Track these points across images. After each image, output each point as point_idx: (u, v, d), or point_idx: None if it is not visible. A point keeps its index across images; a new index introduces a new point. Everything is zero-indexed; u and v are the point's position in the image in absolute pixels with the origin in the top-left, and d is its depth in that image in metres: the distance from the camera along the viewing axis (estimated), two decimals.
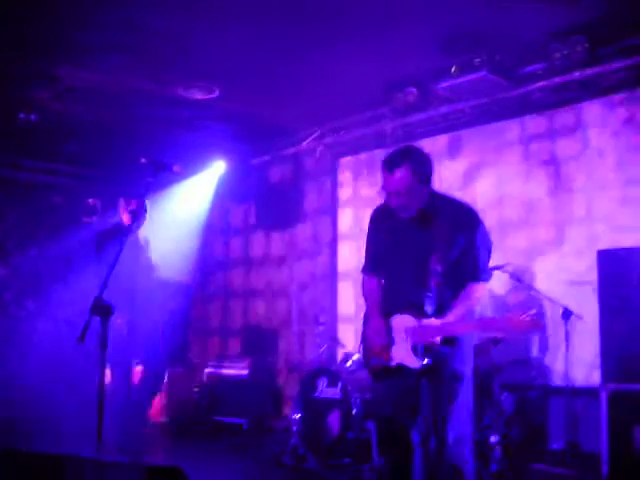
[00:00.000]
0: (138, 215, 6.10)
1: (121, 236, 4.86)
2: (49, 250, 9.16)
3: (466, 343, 4.06)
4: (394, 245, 4.22)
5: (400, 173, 4.01)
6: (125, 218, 6.19)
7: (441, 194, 4.24)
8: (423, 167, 4.10)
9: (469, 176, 7.71)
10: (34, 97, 7.63)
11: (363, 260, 4.39)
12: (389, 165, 4.07)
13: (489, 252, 4.10)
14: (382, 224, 4.32)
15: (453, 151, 7.89)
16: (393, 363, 4.00)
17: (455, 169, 7.79)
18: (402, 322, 3.98)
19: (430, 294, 3.79)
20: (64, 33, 6.26)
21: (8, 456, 3.74)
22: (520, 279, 6.64)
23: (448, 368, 3.91)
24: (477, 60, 6.54)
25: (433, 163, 4.16)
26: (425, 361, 3.79)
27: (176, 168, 4.50)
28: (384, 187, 4.12)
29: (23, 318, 8.93)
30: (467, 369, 4.05)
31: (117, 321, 5.71)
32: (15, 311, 9.52)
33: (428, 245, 3.93)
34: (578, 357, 6.33)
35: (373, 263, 4.34)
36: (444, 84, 6.86)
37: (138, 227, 6.01)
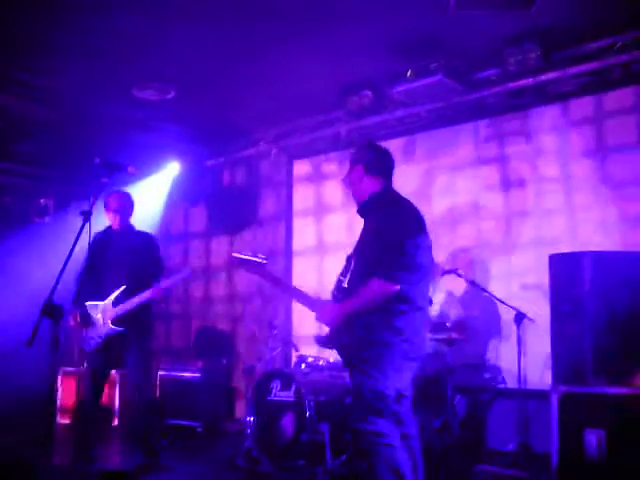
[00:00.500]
0: (123, 212, 6.11)
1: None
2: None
3: None
4: None
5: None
6: (110, 218, 6.14)
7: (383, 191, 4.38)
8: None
9: (424, 179, 7.76)
10: None
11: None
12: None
13: (389, 251, 4.06)
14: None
15: (408, 154, 7.92)
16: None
17: (410, 172, 7.83)
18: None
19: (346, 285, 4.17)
20: (18, 33, 6.18)
21: None
22: (474, 282, 6.69)
23: None
24: (433, 65, 6.59)
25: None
26: None
27: (131, 169, 4.47)
28: None
29: None
30: None
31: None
32: None
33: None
34: (531, 360, 6.40)
35: None
36: (400, 88, 6.89)
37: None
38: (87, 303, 5.96)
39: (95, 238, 5.56)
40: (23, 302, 7.53)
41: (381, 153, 4.47)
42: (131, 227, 6.29)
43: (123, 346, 5.98)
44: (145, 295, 5.87)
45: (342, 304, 4.16)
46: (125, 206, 6.18)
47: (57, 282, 3.82)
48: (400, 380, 4.08)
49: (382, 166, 4.41)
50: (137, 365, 6.00)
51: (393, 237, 4.07)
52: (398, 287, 3.98)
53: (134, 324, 5.94)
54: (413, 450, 4.08)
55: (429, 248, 4.30)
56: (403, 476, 3.84)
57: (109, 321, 5.93)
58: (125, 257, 6.06)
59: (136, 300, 5.88)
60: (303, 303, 4.49)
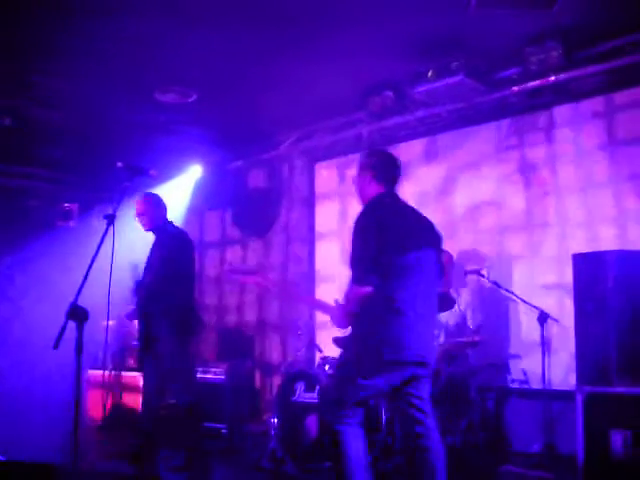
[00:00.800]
0: (144, 215, 6.14)
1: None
2: (23, 254, 9.09)
3: None
4: None
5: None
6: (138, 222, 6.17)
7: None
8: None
9: (446, 180, 7.74)
10: (9, 102, 7.59)
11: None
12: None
13: (359, 254, 4.15)
14: None
15: (430, 155, 7.91)
16: None
17: (432, 173, 7.83)
18: None
19: None
20: (40, 38, 6.22)
21: None
22: (497, 283, 6.68)
23: None
24: (454, 64, 6.56)
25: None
26: None
27: (153, 172, 4.50)
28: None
29: None
30: None
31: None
32: None
33: None
34: (555, 360, 6.37)
35: None
36: (421, 88, 6.87)
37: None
38: None
39: None
40: (48, 305, 7.60)
41: (390, 161, 4.55)
42: (160, 228, 6.21)
43: None
44: None
45: (339, 306, 4.26)
46: (145, 209, 6.18)
47: (82, 285, 3.86)
48: (381, 381, 4.10)
49: (388, 174, 4.47)
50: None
51: (363, 239, 4.12)
52: (369, 289, 4.02)
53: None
54: (425, 449, 4.10)
55: (428, 253, 4.28)
56: None
57: None
58: (150, 258, 6.09)
59: None
60: (318, 309, 4.61)
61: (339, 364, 4.53)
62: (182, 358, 5.90)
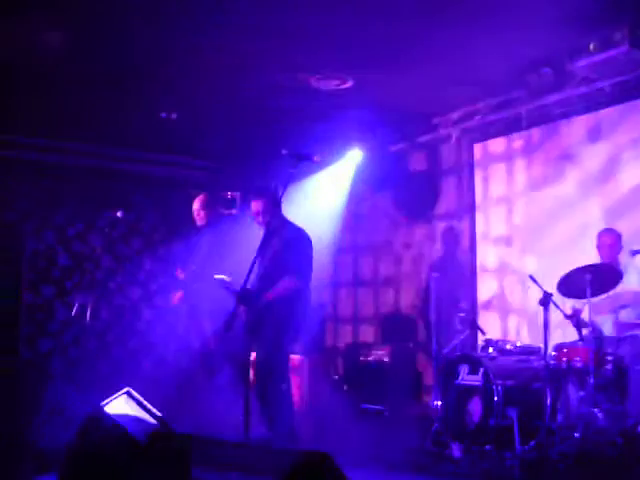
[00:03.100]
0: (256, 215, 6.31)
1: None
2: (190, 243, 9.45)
3: None
4: None
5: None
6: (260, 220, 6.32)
7: None
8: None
9: (612, 161, 7.44)
10: (176, 97, 7.93)
11: None
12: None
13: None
14: None
15: (593, 134, 7.64)
16: None
17: (596, 153, 7.55)
18: None
19: None
20: (200, 34, 6.47)
21: (160, 438, 3.92)
22: None
23: None
24: (617, 34, 6.30)
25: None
26: None
27: (316, 158, 4.59)
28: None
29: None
30: None
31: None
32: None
33: None
34: None
35: None
36: (581, 63, 6.66)
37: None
38: None
39: None
40: (213, 289, 7.88)
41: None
42: (280, 225, 6.26)
43: None
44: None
45: None
46: (265, 207, 6.19)
47: (250, 271, 3.99)
48: None
49: None
50: None
51: None
52: None
53: None
54: None
55: None
56: None
57: None
58: (273, 256, 6.18)
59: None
60: None
61: None
62: None
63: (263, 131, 9.05)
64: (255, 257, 4.96)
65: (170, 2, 5.90)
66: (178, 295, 7.95)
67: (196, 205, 7.92)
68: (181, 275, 7.37)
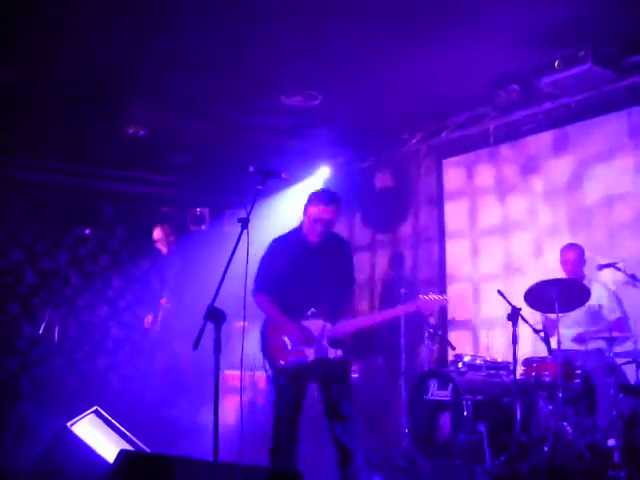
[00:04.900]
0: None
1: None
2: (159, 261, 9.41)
3: None
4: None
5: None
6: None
7: None
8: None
9: (577, 174, 7.54)
10: (146, 113, 7.91)
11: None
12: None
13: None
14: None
15: (559, 148, 7.73)
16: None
17: (561, 167, 7.64)
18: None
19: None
20: (171, 50, 6.46)
21: (128, 458, 3.88)
22: (634, 276, 6.46)
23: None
24: (581, 52, 6.40)
25: None
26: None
27: (284, 175, 4.57)
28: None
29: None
30: None
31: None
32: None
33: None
34: None
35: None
36: (547, 79, 6.74)
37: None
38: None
39: None
40: (184, 308, 7.85)
41: None
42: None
43: None
44: None
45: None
46: (331, 217, 5.26)
47: (219, 288, 3.97)
48: None
49: None
50: None
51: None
52: None
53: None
54: None
55: None
56: None
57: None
58: (325, 265, 5.45)
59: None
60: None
61: None
62: None
63: (232, 147, 9.03)
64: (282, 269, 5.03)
65: (133, 19, 5.91)
66: (150, 319, 7.97)
67: (155, 236, 7.97)
68: (166, 303, 7.38)
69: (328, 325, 4.96)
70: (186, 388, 7.83)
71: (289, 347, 4.94)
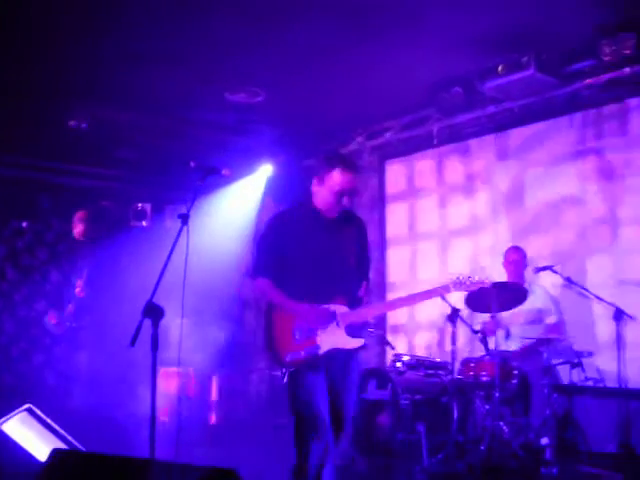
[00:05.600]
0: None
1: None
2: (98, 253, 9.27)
3: None
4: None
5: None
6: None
7: None
8: None
9: (517, 176, 7.65)
10: (86, 106, 7.78)
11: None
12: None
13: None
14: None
15: (501, 151, 7.83)
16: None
17: (503, 169, 7.74)
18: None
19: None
20: (114, 43, 6.37)
21: (61, 457, 3.81)
22: (570, 279, 6.58)
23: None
24: (524, 58, 6.48)
25: None
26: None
27: (225, 172, 4.52)
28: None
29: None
30: None
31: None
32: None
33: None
34: (631, 358, 6.24)
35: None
36: (491, 83, 6.81)
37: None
38: None
39: None
40: (123, 304, 7.74)
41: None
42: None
43: None
44: None
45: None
46: (352, 185, 4.70)
47: (157, 284, 3.92)
48: None
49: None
50: None
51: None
52: None
53: None
54: None
55: None
56: None
57: None
58: (342, 243, 4.83)
59: None
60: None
61: None
62: None
63: (175, 143, 8.94)
64: (275, 249, 4.37)
65: (73, 14, 5.81)
66: (53, 315, 7.83)
67: (75, 220, 7.83)
68: (80, 293, 7.23)
69: (349, 311, 4.29)
70: (121, 385, 7.72)
71: (297, 337, 4.27)
